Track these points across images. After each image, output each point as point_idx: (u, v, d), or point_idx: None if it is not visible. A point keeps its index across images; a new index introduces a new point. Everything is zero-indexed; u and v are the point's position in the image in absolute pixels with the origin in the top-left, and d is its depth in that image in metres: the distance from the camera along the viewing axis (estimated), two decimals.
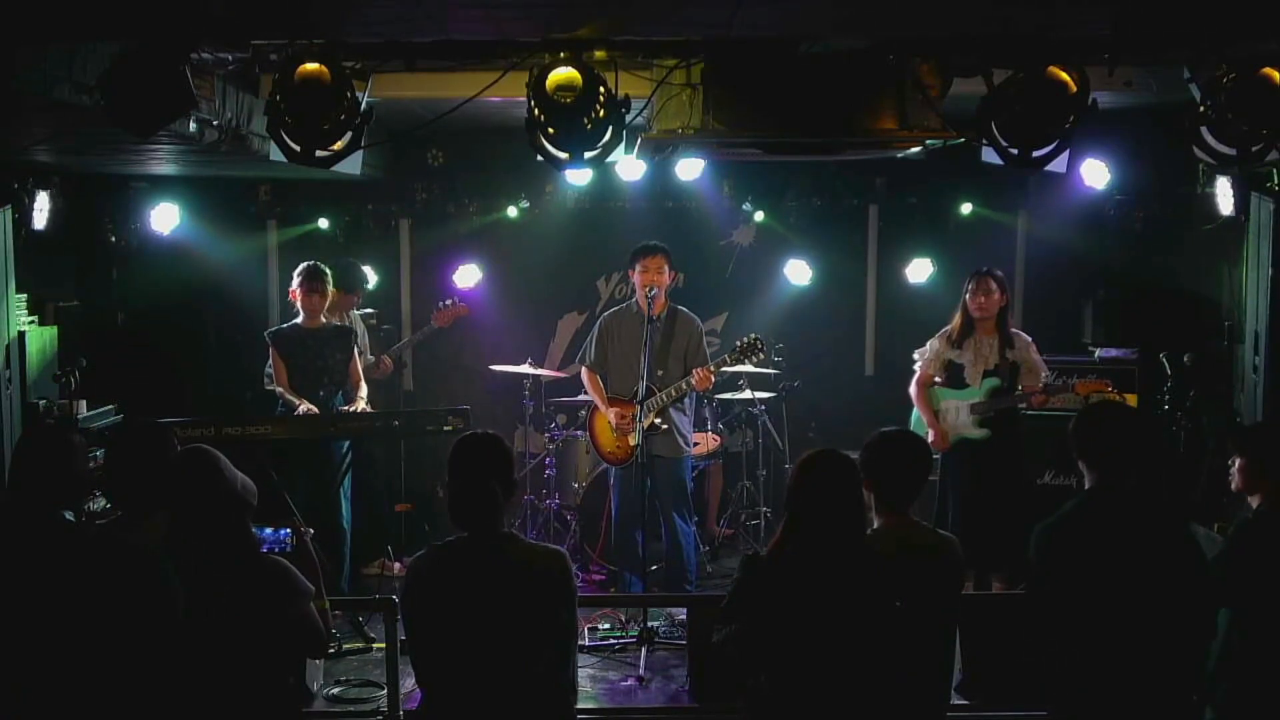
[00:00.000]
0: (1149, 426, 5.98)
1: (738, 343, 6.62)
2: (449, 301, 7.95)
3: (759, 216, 8.63)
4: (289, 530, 3.92)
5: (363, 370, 7.65)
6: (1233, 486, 4.16)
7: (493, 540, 3.38)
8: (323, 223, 8.62)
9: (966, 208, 8.45)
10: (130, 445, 3.80)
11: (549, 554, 3.46)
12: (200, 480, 3.41)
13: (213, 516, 3.39)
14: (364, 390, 6.96)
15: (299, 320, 6.84)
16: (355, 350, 7.02)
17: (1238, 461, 4.09)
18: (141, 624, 3.24)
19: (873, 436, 3.75)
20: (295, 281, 6.81)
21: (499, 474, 3.42)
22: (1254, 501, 4.05)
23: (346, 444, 6.77)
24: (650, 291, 6.50)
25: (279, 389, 6.77)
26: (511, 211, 8.59)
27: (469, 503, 3.37)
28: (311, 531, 4.16)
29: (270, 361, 6.89)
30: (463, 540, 3.39)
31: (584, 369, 6.94)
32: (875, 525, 3.66)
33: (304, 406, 6.59)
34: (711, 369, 6.54)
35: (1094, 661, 3.57)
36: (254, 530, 3.64)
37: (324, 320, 6.91)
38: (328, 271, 6.88)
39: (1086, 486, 3.73)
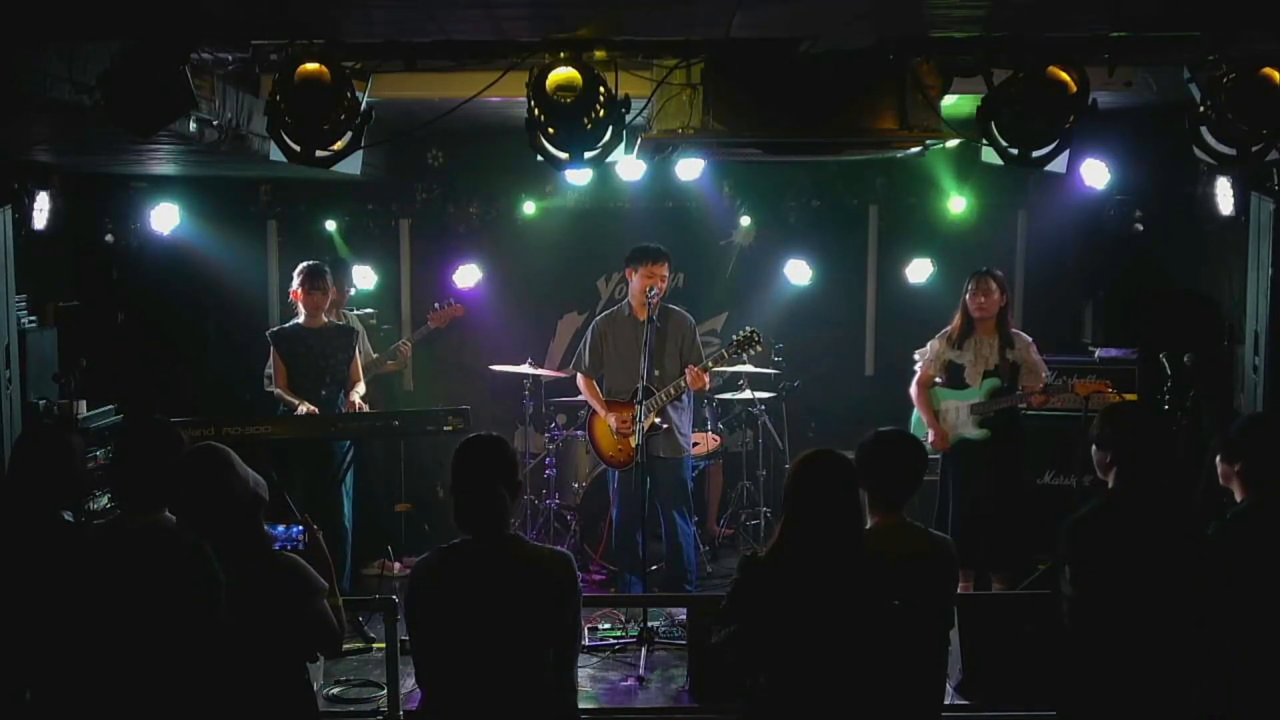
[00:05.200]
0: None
1: (734, 337, 6.64)
2: (444, 303, 7.95)
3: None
4: (300, 528, 3.90)
5: (376, 364, 7.67)
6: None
7: (498, 543, 3.37)
8: (329, 225, 8.62)
9: (966, 207, 8.44)
10: (141, 443, 3.78)
11: (554, 556, 3.45)
12: (211, 478, 3.40)
13: (224, 514, 3.38)
14: (360, 389, 6.94)
15: (300, 320, 6.84)
16: (357, 349, 7.01)
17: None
18: (189, 616, 3.15)
19: (867, 437, 3.75)
20: (296, 281, 6.80)
21: (504, 477, 3.41)
22: (1237, 492, 4.06)
23: (348, 442, 6.76)
24: (652, 293, 6.51)
25: (278, 390, 6.76)
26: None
27: (474, 507, 3.36)
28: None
29: (270, 362, 6.89)
30: (467, 543, 3.39)
31: (579, 375, 6.94)
32: (869, 525, 3.66)
33: (304, 408, 6.57)
34: (704, 368, 6.56)
35: (1114, 659, 3.58)
36: (267, 528, 3.63)
37: (325, 320, 6.91)
38: (327, 270, 6.88)
39: (1110, 486, 3.75)
